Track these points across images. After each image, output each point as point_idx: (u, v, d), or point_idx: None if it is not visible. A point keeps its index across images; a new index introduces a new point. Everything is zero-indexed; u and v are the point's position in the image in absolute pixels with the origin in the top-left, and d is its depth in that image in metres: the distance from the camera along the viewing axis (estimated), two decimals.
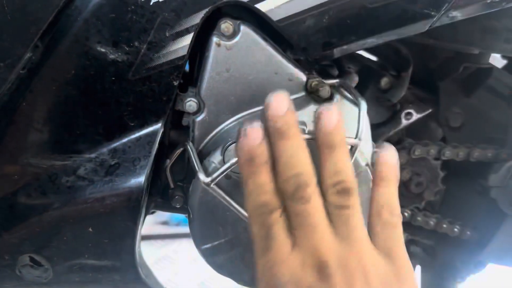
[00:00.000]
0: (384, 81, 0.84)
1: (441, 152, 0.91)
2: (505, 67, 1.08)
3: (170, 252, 2.19)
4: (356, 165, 0.63)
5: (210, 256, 0.66)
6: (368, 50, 0.91)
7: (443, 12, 0.61)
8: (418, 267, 1.16)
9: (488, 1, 0.62)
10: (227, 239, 0.65)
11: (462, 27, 0.79)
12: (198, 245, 0.66)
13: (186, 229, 0.67)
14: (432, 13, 0.61)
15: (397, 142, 0.93)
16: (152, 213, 0.82)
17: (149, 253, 2.17)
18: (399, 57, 0.84)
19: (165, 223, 2.41)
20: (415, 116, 0.89)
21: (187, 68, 0.76)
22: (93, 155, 0.61)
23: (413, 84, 0.93)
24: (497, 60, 1.09)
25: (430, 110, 0.91)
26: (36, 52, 0.57)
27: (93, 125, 0.61)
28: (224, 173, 0.58)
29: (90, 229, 0.62)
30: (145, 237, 2.29)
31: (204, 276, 1.95)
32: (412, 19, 0.61)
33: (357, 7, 0.59)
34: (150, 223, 2.37)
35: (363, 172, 0.64)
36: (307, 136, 0.60)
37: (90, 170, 0.61)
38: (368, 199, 0.66)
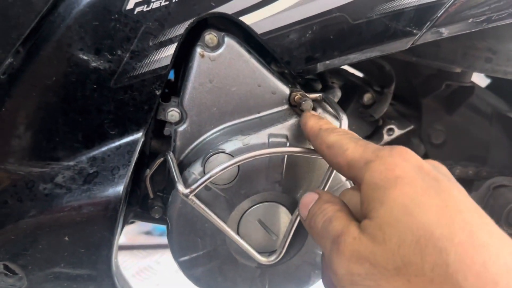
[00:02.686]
0: (367, 97, 0.85)
1: None
2: (489, 87, 1.10)
3: (152, 263, 2.16)
4: (336, 179, 0.63)
5: (188, 269, 0.66)
6: (352, 65, 0.91)
7: (425, 30, 0.62)
8: None
9: (470, 21, 0.63)
10: (206, 252, 0.65)
11: (445, 45, 0.80)
12: (176, 257, 0.65)
13: None
14: (414, 31, 0.62)
15: None
16: (131, 222, 0.81)
17: (131, 263, 2.14)
18: (383, 73, 0.85)
19: (148, 233, 2.39)
20: (397, 132, 0.90)
21: (172, 77, 0.76)
22: (71, 163, 0.61)
23: (396, 100, 0.93)
24: (482, 79, 1.10)
25: (412, 127, 0.92)
26: (17, 58, 0.56)
27: (72, 133, 0.60)
28: (204, 184, 0.58)
29: (66, 238, 0.61)
30: (127, 247, 2.26)
31: None
32: (394, 37, 0.62)
33: (340, 23, 0.60)
34: (133, 233, 2.34)
35: (343, 187, 0.64)
36: (288, 149, 0.60)
37: (68, 178, 0.60)
38: None
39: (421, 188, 0.39)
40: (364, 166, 0.43)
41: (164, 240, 2.28)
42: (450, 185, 0.40)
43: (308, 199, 0.50)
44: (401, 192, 0.39)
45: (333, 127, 0.54)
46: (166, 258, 2.21)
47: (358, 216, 0.44)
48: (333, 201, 0.47)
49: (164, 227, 0.67)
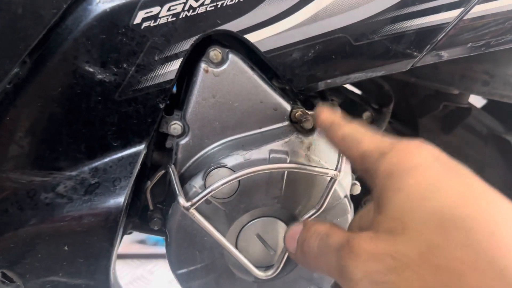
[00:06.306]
0: (366, 115, 0.86)
1: None
2: (485, 107, 1.12)
3: (145, 272, 2.15)
4: (335, 196, 0.64)
5: (185, 281, 0.66)
6: (352, 83, 0.92)
7: (425, 53, 0.63)
8: None
9: (469, 45, 0.65)
10: (204, 265, 0.65)
11: (443, 68, 0.81)
12: (174, 269, 0.66)
13: (163, 250, 0.67)
14: (415, 53, 0.63)
15: None
16: (129, 233, 0.81)
17: (124, 272, 2.13)
18: (382, 92, 0.86)
19: (142, 242, 2.37)
20: None
21: (174, 89, 0.77)
22: (73, 173, 0.61)
23: (394, 118, 0.95)
24: (478, 99, 1.12)
25: None
26: (23, 68, 0.57)
27: (75, 143, 0.61)
28: (205, 198, 0.58)
29: (66, 248, 0.61)
30: (121, 256, 2.24)
31: None
32: (395, 58, 0.63)
33: (342, 44, 0.61)
34: (127, 242, 2.33)
35: (341, 204, 0.65)
36: (289, 165, 0.61)
37: (70, 188, 0.61)
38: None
39: (438, 173, 0.37)
40: (380, 157, 0.41)
41: (158, 249, 2.28)
42: (469, 171, 0.38)
43: (293, 231, 0.48)
44: (419, 178, 0.37)
45: (346, 121, 0.52)
46: (159, 268, 2.20)
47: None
48: (322, 223, 0.45)
49: (158, 236, 0.68)
